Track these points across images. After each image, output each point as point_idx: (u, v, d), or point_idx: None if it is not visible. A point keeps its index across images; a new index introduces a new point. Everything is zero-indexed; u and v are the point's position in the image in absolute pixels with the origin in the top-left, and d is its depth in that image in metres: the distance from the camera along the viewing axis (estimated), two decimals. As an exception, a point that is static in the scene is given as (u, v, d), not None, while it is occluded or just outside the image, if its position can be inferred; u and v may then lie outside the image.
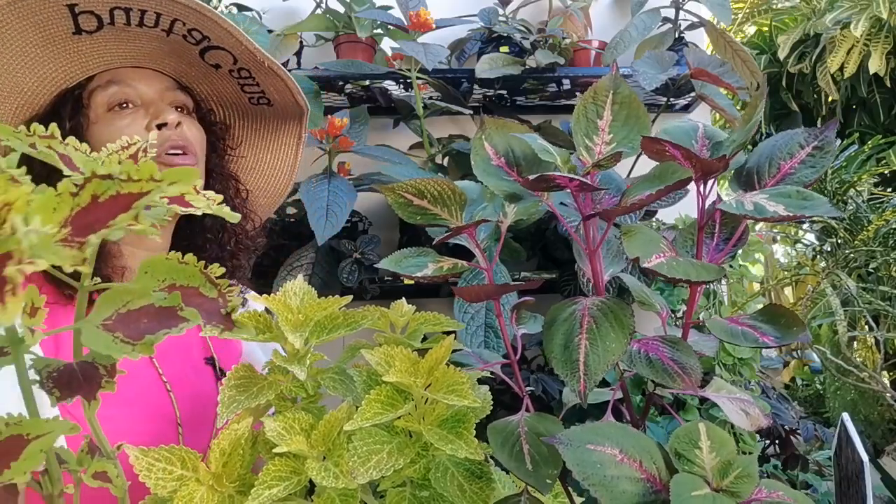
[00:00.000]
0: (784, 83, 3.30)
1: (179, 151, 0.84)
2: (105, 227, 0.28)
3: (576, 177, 0.52)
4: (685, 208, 1.61)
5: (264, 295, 0.60)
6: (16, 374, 0.31)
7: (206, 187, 0.90)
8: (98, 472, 0.39)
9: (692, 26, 1.82)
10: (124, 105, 0.84)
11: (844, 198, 2.33)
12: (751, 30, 3.54)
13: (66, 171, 0.34)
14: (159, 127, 0.83)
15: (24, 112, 0.85)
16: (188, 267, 0.36)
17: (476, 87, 1.81)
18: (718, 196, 0.55)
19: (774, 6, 3.35)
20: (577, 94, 1.88)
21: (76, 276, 0.31)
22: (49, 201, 0.27)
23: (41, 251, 0.25)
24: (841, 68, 2.92)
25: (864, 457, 0.69)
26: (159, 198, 0.30)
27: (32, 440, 0.31)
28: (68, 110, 0.83)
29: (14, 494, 0.32)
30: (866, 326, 2.37)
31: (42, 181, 0.29)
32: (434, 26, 1.64)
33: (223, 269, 0.40)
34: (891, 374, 2.76)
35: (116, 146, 0.40)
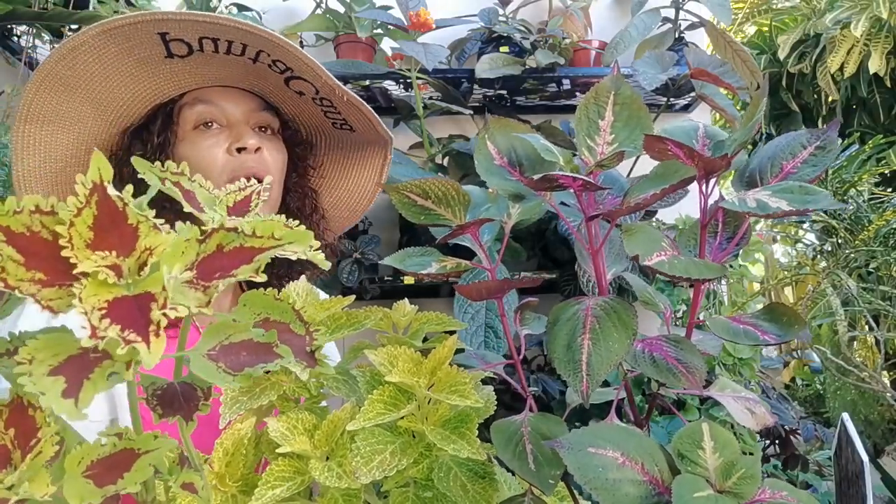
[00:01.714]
0: (784, 83, 3.30)
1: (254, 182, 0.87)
2: (229, 276, 0.31)
3: (579, 176, 0.52)
4: (685, 208, 1.61)
5: None
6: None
7: (283, 203, 0.94)
8: (186, 482, 0.42)
9: (692, 26, 1.82)
10: (209, 124, 0.86)
11: (845, 198, 2.33)
12: (751, 30, 3.54)
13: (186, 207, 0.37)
14: (238, 150, 0.85)
15: (120, 123, 0.87)
16: (282, 304, 0.40)
17: (476, 87, 1.80)
18: (721, 195, 0.55)
19: (774, 6, 3.35)
20: (577, 94, 1.88)
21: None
22: (179, 246, 0.31)
23: (176, 295, 0.29)
24: (841, 68, 2.91)
25: (864, 457, 0.69)
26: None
27: (143, 454, 0.33)
28: (158, 125, 0.85)
29: (117, 498, 0.34)
30: (866, 326, 2.36)
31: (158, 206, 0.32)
32: (434, 26, 1.63)
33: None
34: (891, 374, 2.76)
35: (235, 187, 0.43)
